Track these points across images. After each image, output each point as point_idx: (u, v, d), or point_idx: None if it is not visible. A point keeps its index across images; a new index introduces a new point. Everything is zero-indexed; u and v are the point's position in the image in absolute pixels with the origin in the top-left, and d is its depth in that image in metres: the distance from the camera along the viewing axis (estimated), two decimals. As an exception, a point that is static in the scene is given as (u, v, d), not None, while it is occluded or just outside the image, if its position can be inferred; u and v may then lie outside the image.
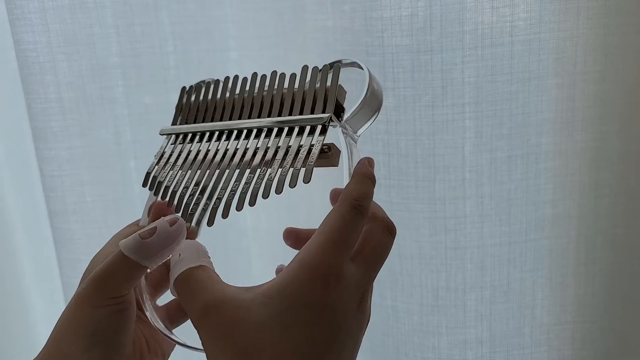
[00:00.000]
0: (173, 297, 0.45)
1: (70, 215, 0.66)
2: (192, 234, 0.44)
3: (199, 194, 0.39)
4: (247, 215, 0.70)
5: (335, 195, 0.40)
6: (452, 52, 0.56)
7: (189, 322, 0.45)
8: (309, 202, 0.65)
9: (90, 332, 0.35)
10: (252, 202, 0.36)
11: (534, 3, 0.54)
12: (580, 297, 0.62)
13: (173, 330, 0.44)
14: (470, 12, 0.55)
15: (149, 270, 0.36)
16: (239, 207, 0.36)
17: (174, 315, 0.45)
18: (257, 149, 0.39)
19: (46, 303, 0.83)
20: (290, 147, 0.38)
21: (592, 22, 0.55)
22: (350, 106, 0.39)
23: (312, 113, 0.39)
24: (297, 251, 0.41)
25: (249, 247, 0.70)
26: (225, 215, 0.37)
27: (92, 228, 0.66)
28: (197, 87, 0.46)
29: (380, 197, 0.61)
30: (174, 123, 0.46)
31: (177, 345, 0.43)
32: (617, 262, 0.61)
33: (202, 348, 0.38)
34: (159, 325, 0.41)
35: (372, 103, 0.39)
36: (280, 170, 0.37)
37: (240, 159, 0.39)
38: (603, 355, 0.63)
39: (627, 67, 0.56)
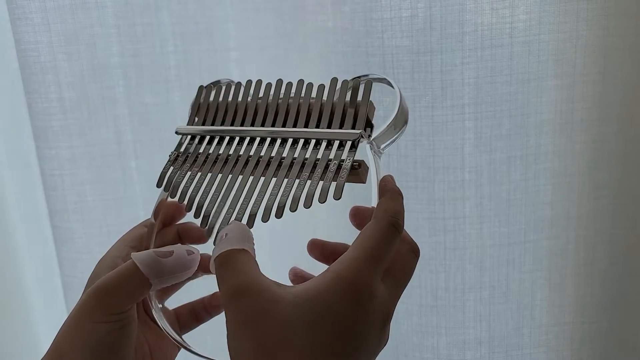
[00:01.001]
0: (183, 303, 0.45)
1: (71, 214, 0.66)
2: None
3: (220, 201, 0.38)
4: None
5: (357, 213, 0.39)
6: (452, 53, 0.56)
7: (196, 330, 0.45)
8: (314, 207, 0.65)
9: (91, 349, 0.34)
10: (279, 215, 0.36)
11: (533, 5, 0.55)
12: (579, 298, 0.62)
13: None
14: (470, 14, 0.55)
15: (150, 291, 0.36)
16: (265, 219, 0.36)
17: (184, 321, 0.44)
18: (282, 158, 0.38)
19: (46, 302, 0.83)
20: (318, 160, 0.37)
21: (591, 24, 0.55)
22: (377, 122, 0.39)
23: (340, 127, 0.38)
24: (306, 258, 0.42)
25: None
26: (250, 226, 0.36)
27: (92, 227, 0.66)
28: (216, 87, 0.45)
29: (380, 197, 0.61)
30: (190, 123, 0.45)
31: (180, 351, 0.42)
32: (615, 263, 0.61)
33: (206, 356, 0.38)
34: (167, 327, 0.40)
35: (400, 121, 0.39)
36: (309, 182, 0.36)
37: (264, 168, 0.38)
38: (602, 355, 0.63)
39: (626, 68, 0.57)
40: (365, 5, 0.57)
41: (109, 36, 0.62)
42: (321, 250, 0.41)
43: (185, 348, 0.41)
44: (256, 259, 0.34)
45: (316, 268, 0.36)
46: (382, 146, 0.39)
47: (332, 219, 0.64)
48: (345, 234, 0.39)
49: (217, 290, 0.33)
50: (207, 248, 0.39)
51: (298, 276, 0.41)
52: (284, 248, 0.68)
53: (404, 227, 0.35)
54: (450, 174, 0.59)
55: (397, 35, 0.56)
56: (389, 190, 0.36)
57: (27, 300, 0.83)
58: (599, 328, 0.63)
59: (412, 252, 0.35)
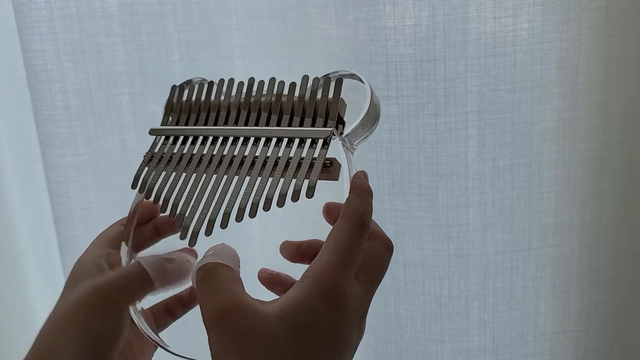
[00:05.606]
0: (158, 301, 0.45)
1: (76, 221, 0.66)
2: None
3: (194, 201, 0.39)
4: (252, 224, 0.71)
5: (329, 209, 0.40)
6: (455, 61, 0.56)
7: (172, 328, 0.45)
8: (317, 212, 0.66)
9: (88, 342, 0.35)
10: (253, 214, 0.36)
11: (536, 13, 0.55)
12: (583, 306, 0.62)
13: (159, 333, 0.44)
14: (473, 22, 0.55)
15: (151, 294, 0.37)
16: (239, 219, 0.36)
17: (160, 318, 0.45)
18: (255, 157, 0.39)
19: (51, 308, 0.83)
20: (291, 158, 0.37)
21: (594, 32, 0.55)
22: (349, 117, 0.39)
23: (312, 125, 0.38)
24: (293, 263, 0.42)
25: (255, 256, 0.70)
26: (224, 226, 0.37)
27: (97, 234, 0.66)
28: (189, 87, 0.45)
29: (384, 205, 0.61)
30: (163, 123, 0.45)
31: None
32: (620, 271, 0.61)
33: (185, 356, 0.38)
34: (146, 329, 0.40)
35: (372, 117, 0.39)
36: (282, 181, 0.36)
37: (237, 167, 0.39)
38: (606, 364, 0.63)
39: (629, 76, 0.57)
40: (369, 14, 0.57)
41: (115, 44, 0.62)
42: (296, 251, 0.42)
43: (163, 347, 0.40)
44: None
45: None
46: (355, 143, 0.39)
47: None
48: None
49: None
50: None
51: (268, 277, 0.42)
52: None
53: (379, 225, 0.36)
54: (454, 181, 0.59)
55: (401, 43, 0.57)
56: (358, 188, 0.36)
57: (31, 307, 0.83)
58: (604, 336, 0.63)
59: (386, 247, 0.36)
